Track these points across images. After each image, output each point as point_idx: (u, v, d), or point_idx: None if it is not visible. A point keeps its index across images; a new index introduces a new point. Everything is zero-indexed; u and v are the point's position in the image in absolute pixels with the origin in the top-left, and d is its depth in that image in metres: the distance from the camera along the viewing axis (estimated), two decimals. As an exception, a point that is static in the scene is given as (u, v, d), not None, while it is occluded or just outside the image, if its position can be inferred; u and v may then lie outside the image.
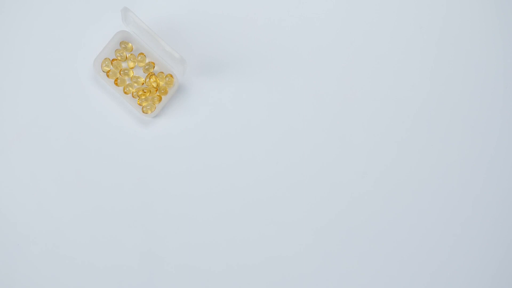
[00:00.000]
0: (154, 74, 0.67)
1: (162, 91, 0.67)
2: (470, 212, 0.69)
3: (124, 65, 0.68)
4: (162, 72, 0.67)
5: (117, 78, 0.67)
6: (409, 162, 0.69)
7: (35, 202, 0.66)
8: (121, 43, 0.67)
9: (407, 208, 0.69)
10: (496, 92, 0.70)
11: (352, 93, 0.70)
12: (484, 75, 0.71)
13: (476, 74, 0.70)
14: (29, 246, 0.66)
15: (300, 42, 0.70)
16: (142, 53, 0.67)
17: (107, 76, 0.67)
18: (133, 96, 0.67)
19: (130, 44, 0.67)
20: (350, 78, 0.70)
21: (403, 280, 0.68)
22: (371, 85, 0.70)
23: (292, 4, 0.70)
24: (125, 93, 0.67)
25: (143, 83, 0.67)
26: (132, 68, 0.68)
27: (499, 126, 0.70)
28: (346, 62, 0.70)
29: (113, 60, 0.67)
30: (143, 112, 0.67)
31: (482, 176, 0.70)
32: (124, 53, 0.67)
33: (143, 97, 0.67)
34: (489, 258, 0.69)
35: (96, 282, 0.66)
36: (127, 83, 0.67)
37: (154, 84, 0.67)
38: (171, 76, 0.67)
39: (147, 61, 0.68)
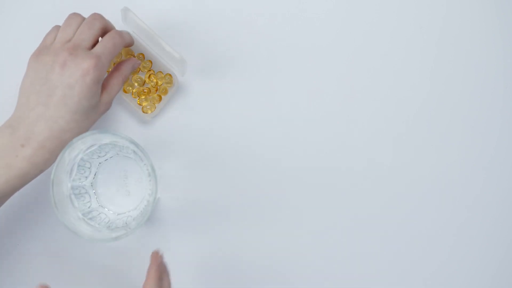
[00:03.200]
0: (154, 73, 0.67)
1: (162, 91, 0.67)
2: (471, 212, 0.69)
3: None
4: (162, 72, 0.67)
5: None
6: (409, 162, 0.69)
7: (35, 202, 0.66)
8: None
9: (406, 207, 0.69)
10: (496, 92, 0.70)
11: (352, 93, 0.70)
12: (484, 75, 0.71)
13: (476, 74, 0.70)
14: (30, 246, 0.66)
15: (300, 42, 0.70)
16: (142, 53, 0.67)
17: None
18: (133, 96, 0.67)
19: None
20: (350, 78, 0.70)
21: (403, 280, 0.68)
22: (371, 85, 0.70)
23: (292, 4, 0.70)
24: (125, 92, 0.67)
25: (143, 83, 0.67)
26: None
27: (499, 126, 0.70)
28: (346, 62, 0.70)
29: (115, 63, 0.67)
30: (143, 112, 0.67)
31: (482, 176, 0.70)
32: (121, 54, 0.67)
33: (143, 97, 0.67)
34: (489, 257, 0.69)
35: (97, 281, 0.66)
36: (128, 82, 0.67)
37: (153, 84, 0.67)
38: (171, 76, 0.67)
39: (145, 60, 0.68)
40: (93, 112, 0.58)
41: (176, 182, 0.67)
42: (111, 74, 0.62)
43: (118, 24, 0.67)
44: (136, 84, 0.67)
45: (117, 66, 0.62)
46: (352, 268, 0.68)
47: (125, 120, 0.68)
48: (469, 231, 0.69)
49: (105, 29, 0.61)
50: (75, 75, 0.56)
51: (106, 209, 0.57)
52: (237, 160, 0.68)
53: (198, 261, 0.67)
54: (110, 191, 0.57)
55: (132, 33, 0.67)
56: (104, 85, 0.60)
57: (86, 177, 0.57)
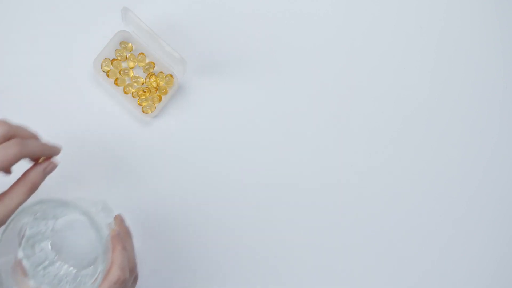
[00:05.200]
0: (154, 74, 0.67)
1: (162, 91, 0.67)
2: (470, 211, 0.69)
3: (124, 65, 0.67)
4: (162, 72, 0.67)
5: (117, 78, 0.67)
6: (408, 162, 0.69)
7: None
8: (121, 43, 0.67)
9: (404, 206, 0.69)
10: (496, 92, 0.70)
11: (353, 92, 0.70)
12: (484, 75, 0.71)
13: (476, 74, 0.71)
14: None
15: (300, 41, 0.70)
16: (142, 53, 0.67)
17: (107, 76, 0.67)
18: (133, 96, 0.67)
19: (130, 44, 0.67)
20: (350, 78, 0.70)
21: (402, 276, 0.68)
22: (371, 85, 0.70)
23: (292, 4, 0.70)
24: (125, 93, 0.67)
25: (143, 83, 0.67)
26: (132, 68, 0.67)
27: (499, 126, 0.70)
28: (346, 62, 0.70)
29: (113, 60, 0.67)
30: (143, 112, 0.67)
31: (481, 175, 0.70)
32: (124, 53, 0.67)
33: (143, 97, 0.67)
34: (487, 255, 0.69)
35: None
36: (127, 83, 0.67)
37: (154, 84, 0.67)
38: (171, 76, 0.67)
39: (147, 61, 0.68)
40: None
41: (175, 182, 0.67)
42: (15, 182, 0.50)
43: (118, 24, 0.67)
44: (136, 84, 0.67)
45: (24, 173, 0.51)
46: (351, 266, 0.68)
47: (125, 120, 0.68)
48: (468, 229, 0.69)
49: (7, 137, 0.50)
50: None
51: (60, 262, 0.54)
52: (237, 160, 0.68)
53: (197, 261, 0.67)
54: (69, 240, 0.54)
55: (132, 33, 0.67)
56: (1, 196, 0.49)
57: (45, 224, 0.54)
